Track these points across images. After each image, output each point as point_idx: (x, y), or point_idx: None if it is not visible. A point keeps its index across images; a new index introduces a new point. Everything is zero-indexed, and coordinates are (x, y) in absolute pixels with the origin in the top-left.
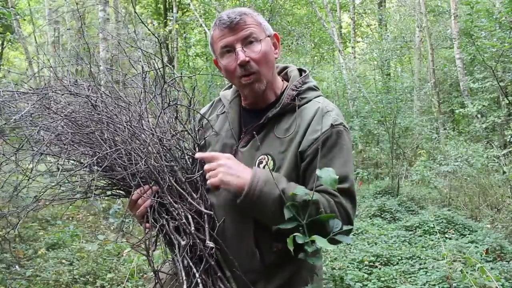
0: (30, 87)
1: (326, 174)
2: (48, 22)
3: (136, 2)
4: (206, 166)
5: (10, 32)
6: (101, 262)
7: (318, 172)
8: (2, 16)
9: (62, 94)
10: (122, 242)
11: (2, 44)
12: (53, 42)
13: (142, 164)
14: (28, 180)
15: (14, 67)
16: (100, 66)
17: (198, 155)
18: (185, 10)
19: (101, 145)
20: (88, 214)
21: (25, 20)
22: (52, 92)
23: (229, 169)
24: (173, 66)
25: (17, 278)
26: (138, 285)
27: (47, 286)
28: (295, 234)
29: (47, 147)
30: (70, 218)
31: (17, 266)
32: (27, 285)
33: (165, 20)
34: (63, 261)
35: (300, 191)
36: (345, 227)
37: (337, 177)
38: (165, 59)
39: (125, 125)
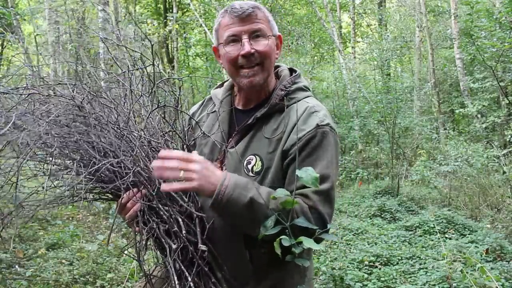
0: (15, 88)
1: (306, 174)
2: (48, 22)
3: (136, 2)
4: (180, 163)
5: (10, 32)
6: (101, 262)
7: (298, 172)
8: (2, 16)
9: (46, 95)
10: (121, 242)
11: (2, 44)
12: (53, 42)
13: (131, 171)
14: (12, 185)
15: (14, 67)
16: (101, 65)
17: (164, 153)
18: (185, 10)
19: (88, 150)
20: (88, 214)
21: (25, 20)
22: (36, 92)
23: (203, 175)
24: (173, 66)
25: (17, 278)
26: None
27: (47, 286)
28: (281, 237)
29: (31, 151)
30: (70, 218)
31: (17, 266)
32: (27, 285)
33: (165, 20)
34: (63, 261)
35: (280, 193)
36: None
37: (318, 175)
38: (165, 60)
39: (113, 128)
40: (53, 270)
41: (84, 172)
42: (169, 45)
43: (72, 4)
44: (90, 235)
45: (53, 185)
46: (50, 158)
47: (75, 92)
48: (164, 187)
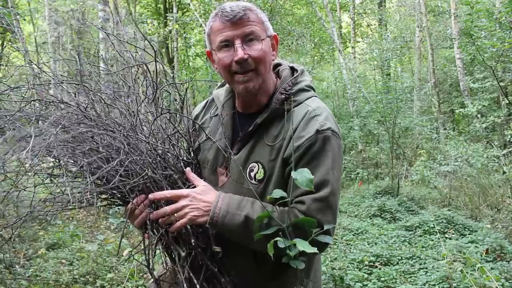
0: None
1: (301, 176)
2: (48, 23)
3: (136, 2)
4: (169, 209)
5: (10, 32)
6: (101, 262)
7: (293, 174)
8: (2, 16)
9: (51, 102)
10: (121, 242)
11: (2, 44)
12: (53, 42)
13: (139, 178)
14: (20, 192)
15: (14, 68)
16: (101, 65)
17: (152, 196)
18: (185, 10)
19: (96, 156)
20: (88, 214)
21: (25, 20)
22: (42, 101)
23: (193, 207)
24: (173, 66)
25: (17, 278)
26: (138, 285)
27: (47, 286)
28: (276, 238)
29: (39, 159)
30: (70, 218)
31: (17, 266)
32: (27, 285)
33: (165, 20)
34: (63, 261)
35: (277, 194)
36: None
37: (312, 177)
38: (165, 60)
39: (120, 135)
40: (53, 270)
41: (92, 178)
42: (169, 45)
43: (72, 4)
44: (90, 235)
45: (61, 192)
46: (58, 165)
47: (78, 96)
48: (170, 230)
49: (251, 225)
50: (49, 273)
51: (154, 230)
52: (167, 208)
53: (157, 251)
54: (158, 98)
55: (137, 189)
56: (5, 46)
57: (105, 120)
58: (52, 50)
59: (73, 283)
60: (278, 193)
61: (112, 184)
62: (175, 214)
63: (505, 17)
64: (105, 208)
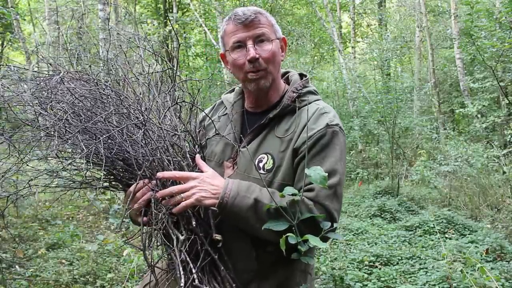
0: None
1: (315, 173)
2: (48, 23)
3: (136, 2)
4: (177, 188)
5: (10, 32)
6: (101, 262)
7: (307, 171)
8: (2, 16)
9: (71, 78)
10: (122, 241)
11: (2, 44)
12: (53, 42)
13: (149, 151)
14: (22, 164)
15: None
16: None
17: (160, 174)
18: (185, 10)
19: (107, 132)
20: (88, 214)
21: (25, 20)
22: (62, 76)
23: (201, 188)
24: (173, 66)
25: (17, 278)
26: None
27: (47, 286)
28: (287, 234)
29: (48, 133)
30: (70, 218)
31: (17, 266)
32: (27, 285)
33: (165, 20)
34: (63, 261)
35: (288, 191)
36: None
37: (326, 174)
38: (171, 59)
39: (135, 111)
40: (53, 270)
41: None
42: (169, 45)
43: (72, 4)
44: (90, 235)
45: (64, 169)
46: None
47: (98, 78)
48: (174, 211)
49: (260, 208)
50: (49, 273)
51: (156, 211)
52: (174, 188)
53: (156, 254)
54: (174, 90)
55: (144, 165)
56: (5, 46)
57: (122, 97)
58: (52, 50)
59: (73, 283)
60: (289, 190)
61: (118, 166)
62: (181, 195)
63: (505, 17)
64: (105, 208)
